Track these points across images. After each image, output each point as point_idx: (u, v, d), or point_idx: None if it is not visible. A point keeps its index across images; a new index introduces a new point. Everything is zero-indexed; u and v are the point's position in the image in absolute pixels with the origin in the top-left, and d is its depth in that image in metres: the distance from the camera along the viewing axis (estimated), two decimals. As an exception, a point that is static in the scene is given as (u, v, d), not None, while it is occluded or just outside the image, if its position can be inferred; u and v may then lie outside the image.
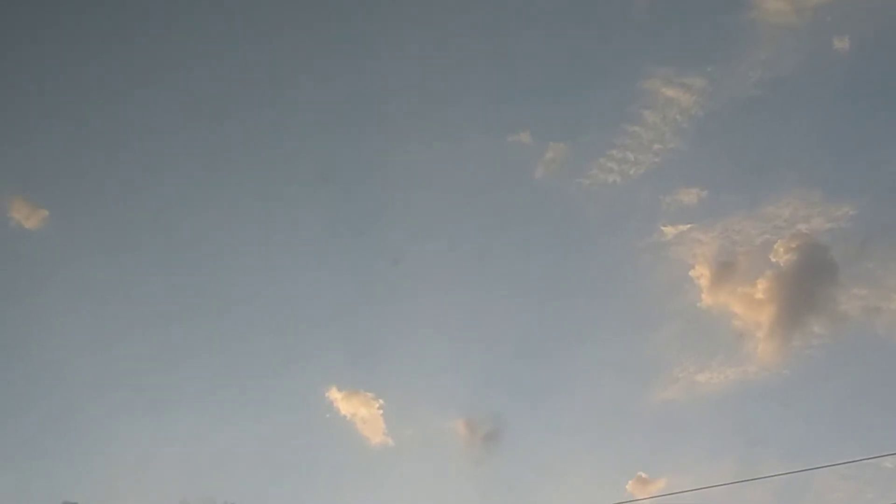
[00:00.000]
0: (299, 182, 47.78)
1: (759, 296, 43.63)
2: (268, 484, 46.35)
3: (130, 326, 47.27)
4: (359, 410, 45.36)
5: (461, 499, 45.08)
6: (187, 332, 47.76)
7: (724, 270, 44.25)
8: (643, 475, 42.29)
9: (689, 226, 44.58)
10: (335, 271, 47.47)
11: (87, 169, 47.95)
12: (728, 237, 44.55)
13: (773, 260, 43.80)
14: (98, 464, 45.46)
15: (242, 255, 47.87)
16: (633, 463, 44.66)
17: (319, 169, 47.54)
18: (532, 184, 46.53)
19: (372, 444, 45.77)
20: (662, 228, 44.77)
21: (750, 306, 43.77)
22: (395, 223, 47.18)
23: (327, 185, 47.25)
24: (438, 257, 46.95)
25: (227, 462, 46.46)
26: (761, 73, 43.95)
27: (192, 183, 48.42)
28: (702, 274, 44.19)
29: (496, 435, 45.08)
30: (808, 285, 43.11)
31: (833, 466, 38.97)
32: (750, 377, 43.79)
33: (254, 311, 47.76)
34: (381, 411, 45.43)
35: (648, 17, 45.48)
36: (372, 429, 45.53)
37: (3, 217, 46.09)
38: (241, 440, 46.81)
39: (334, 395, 45.40)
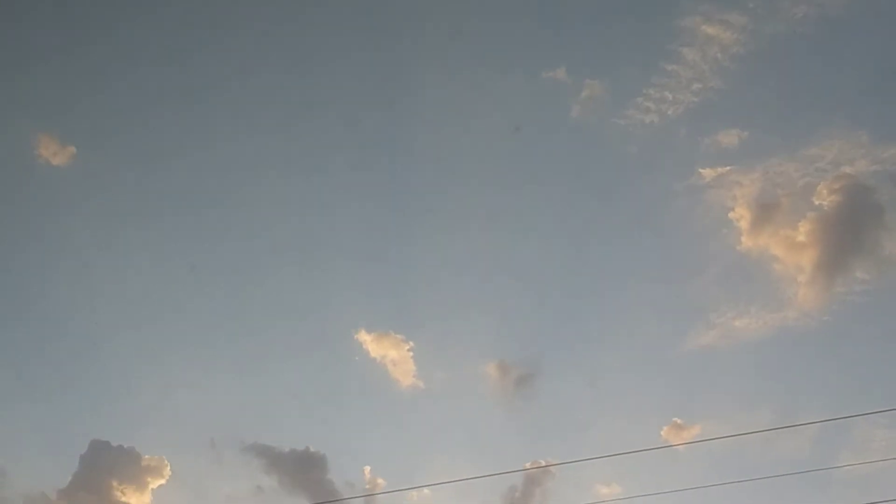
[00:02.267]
0: (329, 120, 47.04)
1: (801, 239, 42.66)
2: (296, 425, 46.43)
3: (160, 265, 47.20)
4: (389, 353, 45.10)
5: (492, 443, 44.89)
6: (217, 273, 47.74)
7: (765, 213, 43.20)
8: (678, 421, 42.19)
9: (728, 168, 43.48)
10: (366, 211, 46.91)
11: (114, 106, 47.42)
12: (769, 179, 43.43)
13: (816, 202, 42.66)
14: (127, 404, 45.84)
15: (272, 195, 47.35)
16: (668, 409, 44.35)
17: (351, 107, 46.82)
18: (568, 123, 45.48)
19: (402, 387, 45.63)
20: (701, 171, 43.66)
21: (791, 250, 42.83)
22: (427, 162, 46.50)
23: (358, 123, 46.54)
24: (471, 197, 46.21)
25: (256, 403, 46.55)
26: (805, 9, 42.49)
27: (220, 120, 47.80)
28: (741, 217, 43.21)
29: (529, 379, 44.72)
30: (851, 229, 42.03)
31: (872, 415, 38.48)
32: (790, 323, 43.03)
33: (283, 251, 47.49)
34: (411, 354, 45.13)
35: (689, -48, 44.20)
36: (402, 371, 45.31)
37: (30, 154, 45.76)
38: (269, 381, 46.90)
39: (364, 337, 45.22)
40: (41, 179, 46.48)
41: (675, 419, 42.30)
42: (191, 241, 47.66)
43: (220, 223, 47.57)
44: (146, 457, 43.25)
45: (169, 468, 43.25)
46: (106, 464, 42.50)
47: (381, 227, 46.66)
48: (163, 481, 42.99)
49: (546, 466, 40.09)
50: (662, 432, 41.54)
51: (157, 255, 47.03)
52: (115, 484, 42.31)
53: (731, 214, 43.28)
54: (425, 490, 40.24)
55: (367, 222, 46.71)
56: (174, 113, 47.21)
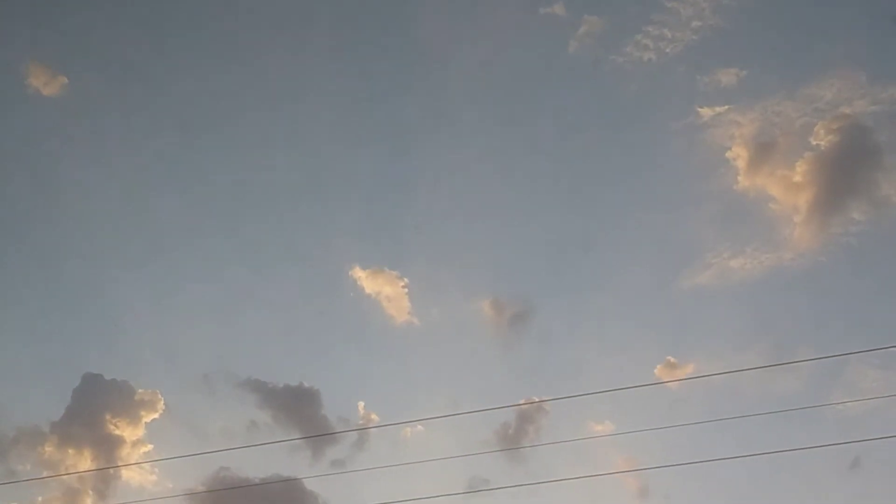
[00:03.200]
0: (323, 56, 46.55)
1: (798, 179, 42.51)
2: (290, 361, 46.54)
3: (151, 196, 47.05)
4: (383, 289, 45.18)
5: (486, 380, 44.99)
6: (212, 207, 47.62)
7: (762, 153, 43.00)
8: (672, 360, 42.30)
9: (726, 107, 43.16)
10: (361, 148, 46.65)
11: (106, 35, 46.85)
12: (767, 119, 43.17)
13: (814, 143, 42.50)
14: (120, 337, 45.80)
15: (264, 129, 47.15)
16: (662, 348, 44.49)
17: (345, 44, 46.39)
18: (565, 59, 45.08)
19: (396, 324, 45.73)
20: (699, 109, 43.35)
21: (788, 190, 42.71)
22: (421, 98, 46.18)
23: (352, 59, 46.14)
24: (467, 134, 45.99)
25: (250, 338, 46.66)
26: (805, -53, 42.33)
27: (213, 51, 47.37)
28: (738, 156, 43.04)
29: (523, 316, 44.94)
30: (849, 169, 41.93)
31: (865, 356, 38.64)
32: (785, 264, 43.06)
33: (278, 187, 47.27)
34: (405, 290, 45.14)
35: None
36: (396, 308, 45.40)
37: (21, 84, 45.24)
38: (263, 317, 47.02)
39: (358, 273, 45.20)
40: (32, 109, 46.13)
41: (668, 358, 42.47)
42: (185, 176, 47.62)
43: (214, 157, 47.44)
44: (140, 391, 43.48)
45: (163, 402, 43.47)
46: (99, 397, 42.65)
47: (377, 163, 46.59)
48: (156, 415, 43.21)
49: (539, 402, 40.17)
50: (656, 371, 41.62)
51: (150, 188, 46.96)
52: (108, 417, 42.50)
53: (728, 154, 43.16)
54: (419, 426, 40.55)
55: (362, 159, 46.62)
56: (167, 42, 46.82)
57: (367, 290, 45.15)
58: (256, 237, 47.20)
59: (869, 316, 42.88)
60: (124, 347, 45.55)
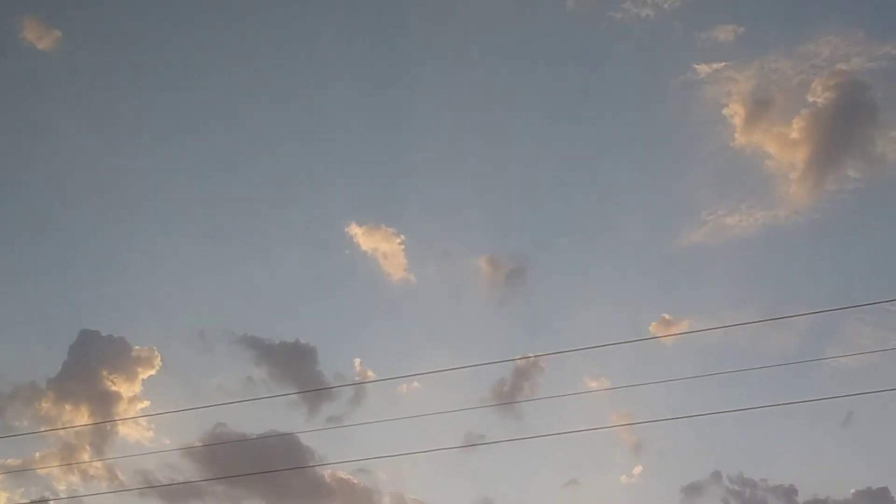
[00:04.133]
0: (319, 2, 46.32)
1: (794, 136, 42.57)
2: (286, 317, 46.73)
3: (147, 149, 46.94)
4: (380, 246, 45.20)
5: (482, 336, 45.25)
6: (208, 162, 47.56)
7: (759, 110, 43.06)
8: (667, 317, 42.43)
9: (723, 64, 43.15)
10: (358, 105, 46.46)
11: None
12: (764, 76, 43.19)
13: (811, 99, 42.54)
14: (117, 294, 46.05)
15: (259, 85, 46.82)
16: (657, 304, 44.81)
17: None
18: (562, 15, 44.89)
19: (393, 280, 45.82)
20: (696, 66, 43.28)
21: (784, 147, 42.78)
22: (417, 51, 45.94)
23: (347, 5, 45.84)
24: (462, 89, 45.71)
25: (247, 295, 46.81)
26: None
27: (204, 1, 47.13)
28: (735, 113, 43.05)
29: (520, 273, 45.14)
30: (845, 126, 42.00)
31: (859, 312, 38.89)
32: (780, 221, 43.27)
33: (274, 142, 47.18)
34: (402, 247, 45.22)
35: None
36: (393, 264, 45.44)
37: (15, 38, 44.94)
38: (260, 273, 47.18)
39: (355, 230, 45.16)
40: (26, 64, 45.83)
41: (663, 314, 42.62)
42: (180, 130, 47.40)
43: (210, 111, 47.23)
44: (136, 347, 43.55)
45: (159, 359, 43.56)
46: (96, 354, 42.71)
47: (373, 120, 46.41)
48: (153, 372, 43.32)
49: (535, 357, 40.44)
50: (651, 327, 41.75)
51: (145, 142, 46.87)
52: (105, 374, 42.67)
53: (724, 111, 43.15)
54: (415, 382, 40.80)
55: (358, 116, 46.32)
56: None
57: (364, 247, 45.29)
58: (253, 194, 47.39)
59: (863, 272, 43.15)
60: (121, 304, 45.95)
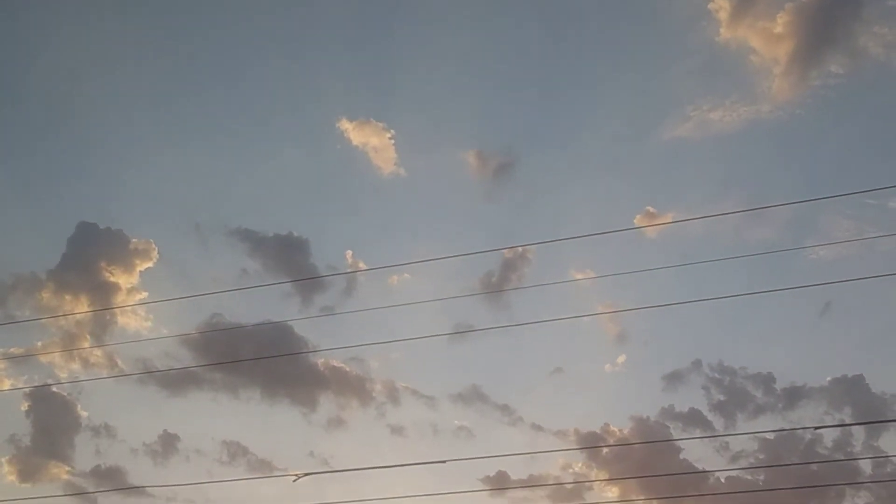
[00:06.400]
0: None
1: (778, 31, 42.60)
2: (280, 210, 47.36)
3: (146, 47, 46.89)
4: (370, 140, 45.55)
5: (472, 229, 46.34)
6: (204, 59, 47.58)
7: (744, 4, 43.09)
8: (651, 209, 43.02)
9: (709, -42, 43.04)
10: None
11: None
12: (750, -32, 43.10)
13: (795, -6, 42.61)
14: (114, 186, 46.71)
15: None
16: (641, 198, 45.53)
17: None
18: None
19: (383, 174, 46.34)
20: (683, -40, 43.25)
21: (768, 42, 42.81)
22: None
23: None
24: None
25: (241, 188, 47.39)
26: None
27: None
28: (720, 8, 43.04)
29: (508, 167, 45.72)
30: (828, 21, 42.03)
31: (838, 205, 39.78)
32: (763, 116, 43.67)
33: (267, 37, 47.04)
34: (392, 141, 45.54)
35: None
36: (383, 159, 45.85)
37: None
38: (253, 167, 47.81)
39: (345, 125, 45.47)
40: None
41: (648, 207, 43.29)
42: (177, 28, 47.27)
43: (203, 7, 47.17)
44: (134, 240, 44.18)
45: (156, 251, 44.23)
46: (94, 246, 43.34)
47: (364, 14, 46.31)
48: (150, 264, 44.00)
49: (522, 246, 41.19)
50: (636, 220, 42.15)
51: (144, 39, 46.69)
52: (103, 265, 43.39)
53: (710, 5, 43.18)
54: (406, 274, 41.66)
55: (349, 9, 46.29)
56: None
57: (355, 142, 45.67)
58: (246, 88, 47.52)
59: (844, 166, 43.92)
60: (118, 197, 46.60)
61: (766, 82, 43.65)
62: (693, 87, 44.67)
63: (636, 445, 40.11)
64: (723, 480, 38.17)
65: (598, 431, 42.16)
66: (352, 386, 44.38)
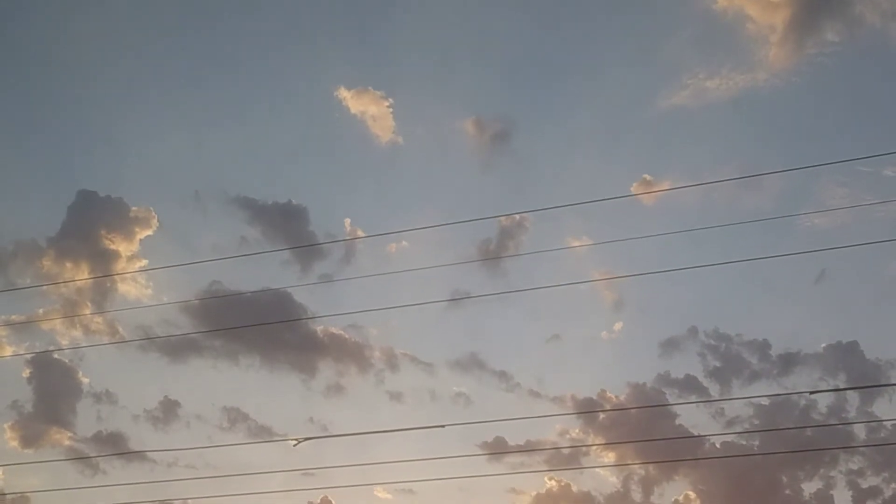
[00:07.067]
0: None
1: (775, -1, 42.77)
2: (279, 179, 47.61)
3: (145, 17, 46.54)
4: (368, 108, 45.56)
5: (470, 197, 46.51)
6: (203, 27, 47.42)
7: (742, -28, 43.06)
8: (648, 177, 43.08)
9: (708, -76, 42.94)
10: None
11: None
12: (748, -63, 43.06)
13: (794, -40, 42.60)
14: (114, 155, 46.81)
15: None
16: (638, 166, 45.80)
17: None
18: None
19: (381, 143, 46.40)
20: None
21: (765, 10, 43.01)
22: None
23: None
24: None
25: (239, 157, 47.61)
26: None
27: None
28: (717, -24, 43.05)
29: (505, 135, 45.81)
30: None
31: (832, 174, 39.98)
32: (759, 84, 43.81)
33: (264, 5, 47.15)
34: (390, 110, 45.53)
35: None
36: (381, 127, 45.86)
37: None
38: (252, 136, 47.91)
39: (344, 93, 45.47)
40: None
41: (644, 175, 43.37)
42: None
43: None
44: (133, 208, 44.25)
45: (156, 219, 44.34)
46: (94, 214, 43.48)
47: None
48: (150, 232, 44.12)
49: (520, 213, 41.38)
50: (632, 188, 42.25)
51: (144, 8, 46.51)
52: (103, 233, 43.47)
53: (707, -27, 43.17)
54: (404, 242, 41.92)
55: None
56: None
57: (353, 110, 45.71)
58: (245, 56, 47.65)
59: (839, 134, 44.14)
60: (117, 165, 46.82)
61: (762, 51, 43.81)
62: (689, 55, 44.83)
63: (632, 411, 40.49)
64: (718, 446, 38.64)
65: (594, 398, 42.58)
66: (351, 353, 44.70)
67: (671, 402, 42.18)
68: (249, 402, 43.30)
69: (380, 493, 42.04)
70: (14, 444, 41.91)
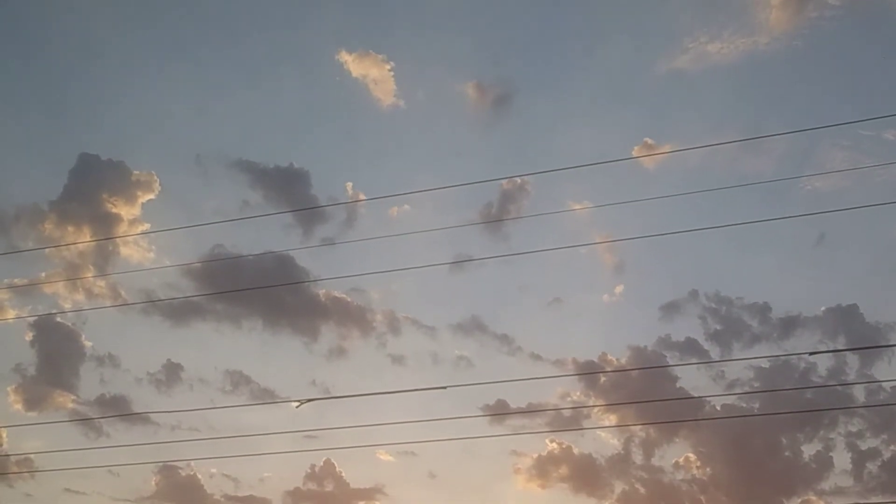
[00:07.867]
0: None
1: (778, -38, 42.58)
2: (280, 142, 47.54)
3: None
4: (370, 72, 45.42)
5: (471, 160, 46.48)
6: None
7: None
8: (649, 141, 43.02)
9: None
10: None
11: None
12: None
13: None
14: (115, 117, 46.56)
15: None
16: (640, 129, 45.74)
17: None
18: None
19: (383, 106, 46.28)
20: None
21: (767, -27, 42.81)
22: None
23: None
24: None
25: (241, 120, 47.46)
26: None
27: None
28: (720, -62, 42.85)
29: (506, 98, 45.83)
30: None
31: (833, 137, 39.99)
32: (761, 48, 43.68)
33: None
34: (391, 73, 45.42)
35: None
36: (383, 91, 45.77)
37: None
38: (253, 99, 47.84)
39: (345, 57, 45.34)
40: None
41: (646, 139, 43.34)
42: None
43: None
44: (135, 171, 44.18)
45: (158, 183, 44.29)
46: (96, 177, 43.40)
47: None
48: (152, 196, 44.10)
49: (521, 176, 41.39)
50: (634, 151, 42.12)
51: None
52: (105, 197, 43.49)
53: (710, -64, 43.04)
54: (406, 206, 41.97)
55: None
56: None
57: (354, 74, 45.54)
58: (246, 20, 47.18)
59: (840, 97, 44.08)
60: (119, 129, 46.62)
61: (763, 14, 43.72)
62: (691, 19, 44.75)
63: (633, 374, 40.66)
64: (718, 408, 38.88)
65: (595, 361, 42.86)
66: (353, 316, 44.91)
67: (672, 364, 42.41)
68: (252, 366, 43.64)
69: (382, 454, 42.46)
70: (18, 406, 42.22)
